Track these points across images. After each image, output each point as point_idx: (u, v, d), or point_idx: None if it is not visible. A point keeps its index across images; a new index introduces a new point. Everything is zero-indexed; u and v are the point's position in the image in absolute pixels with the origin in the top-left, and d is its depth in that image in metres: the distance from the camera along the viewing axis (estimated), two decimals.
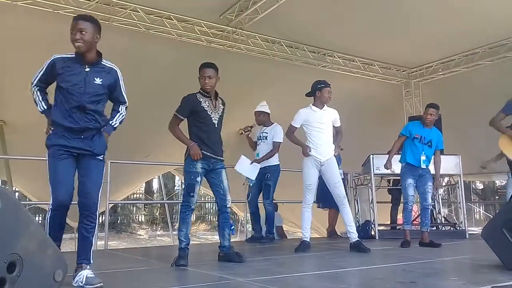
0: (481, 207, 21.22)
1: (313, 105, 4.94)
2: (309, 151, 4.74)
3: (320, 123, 4.85)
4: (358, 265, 3.78)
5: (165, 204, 18.12)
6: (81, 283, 2.65)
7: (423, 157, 5.31)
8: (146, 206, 23.58)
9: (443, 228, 7.15)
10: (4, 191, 1.63)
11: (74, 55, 2.87)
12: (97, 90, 2.87)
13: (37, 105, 2.92)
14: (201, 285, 2.95)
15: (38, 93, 2.91)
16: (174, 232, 16.66)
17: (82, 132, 2.83)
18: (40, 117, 3.06)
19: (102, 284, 2.66)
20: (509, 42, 8.00)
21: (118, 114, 3.09)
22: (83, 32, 2.81)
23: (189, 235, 3.86)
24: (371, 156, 6.61)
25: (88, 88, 2.82)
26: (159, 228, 22.45)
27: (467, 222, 9.37)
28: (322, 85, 4.94)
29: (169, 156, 10.19)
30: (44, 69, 2.86)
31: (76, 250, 2.89)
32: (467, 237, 6.45)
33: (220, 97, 4.03)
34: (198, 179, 3.79)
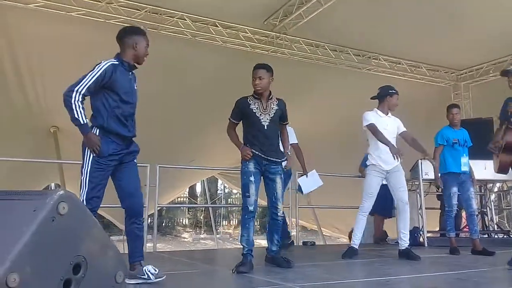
0: None
1: (378, 109, 4.86)
2: (399, 158, 4.48)
3: (385, 129, 4.67)
4: (409, 273, 3.69)
5: (209, 208, 18.36)
6: (151, 274, 2.81)
7: (464, 160, 5.17)
8: (190, 210, 23.97)
9: (496, 236, 6.87)
10: (70, 195, 1.72)
11: (117, 61, 2.92)
12: (136, 95, 3.00)
13: (76, 114, 2.72)
14: None
15: (81, 104, 2.75)
16: (218, 236, 16.77)
17: (131, 140, 2.95)
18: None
19: (165, 276, 2.87)
20: None
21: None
22: None
23: (253, 241, 3.72)
24: (419, 161, 6.43)
25: (133, 94, 2.95)
26: (202, 232, 22.79)
27: None
28: (393, 91, 4.86)
29: (213, 161, 10.35)
30: (96, 76, 2.77)
31: (128, 251, 2.95)
32: None
33: (277, 98, 3.95)
34: (252, 178, 3.71)
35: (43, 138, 8.87)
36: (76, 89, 2.72)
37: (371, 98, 4.91)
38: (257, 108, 3.83)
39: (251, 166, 3.75)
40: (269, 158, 3.80)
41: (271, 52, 7.75)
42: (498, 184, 8.69)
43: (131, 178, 2.94)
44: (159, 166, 5.60)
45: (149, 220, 10.94)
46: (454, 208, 5.25)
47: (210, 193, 20.49)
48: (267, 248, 3.98)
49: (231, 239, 21.49)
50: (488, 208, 7.02)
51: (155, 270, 2.86)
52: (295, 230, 7.28)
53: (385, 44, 8.17)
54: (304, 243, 6.78)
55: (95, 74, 2.78)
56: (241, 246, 3.72)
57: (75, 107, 2.71)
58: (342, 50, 8.31)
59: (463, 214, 6.53)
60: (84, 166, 2.79)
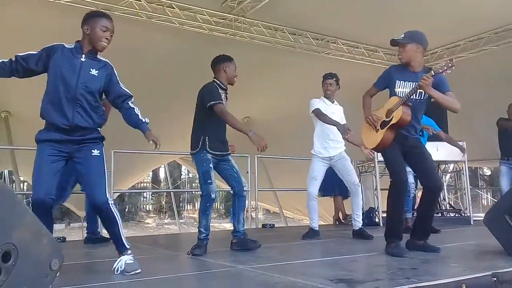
0: (488, 193, 21.10)
1: (324, 97, 4.91)
2: (348, 134, 4.46)
3: (332, 117, 4.75)
4: (361, 252, 3.79)
5: (171, 193, 18.23)
6: (121, 268, 2.75)
7: None
8: (153, 195, 23.78)
9: (448, 215, 7.14)
10: None
11: (73, 46, 2.83)
12: (81, 80, 2.78)
13: None
14: (198, 273, 2.98)
15: (4, 64, 2.70)
16: (181, 221, 16.69)
17: (74, 128, 2.79)
18: None
19: (139, 270, 2.75)
20: None
21: None
22: (111, 35, 2.87)
23: (210, 226, 3.76)
24: None
25: (73, 79, 2.74)
26: (166, 217, 22.69)
27: (474, 208, 9.32)
28: (325, 77, 4.91)
29: (172, 146, 10.23)
30: (32, 52, 2.74)
31: None
32: (472, 223, 6.43)
33: None
34: (211, 165, 3.70)
35: None
36: (16, 55, 2.72)
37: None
38: (224, 98, 3.79)
39: (209, 155, 3.71)
40: (227, 152, 3.85)
41: (229, 35, 7.66)
42: (452, 165, 9.00)
43: (86, 169, 2.78)
44: (114, 151, 5.49)
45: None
46: (411, 187, 5.40)
47: (173, 178, 20.35)
48: (233, 231, 3.89)
49: (195, 223, 21.44)
50: None
51: (131, 261, 2.79)
52: (255, 213, 7.35)
53: (343, 28, 8.20)
54: (264, 226, 6.85)
55: (34, 51, 2.75)
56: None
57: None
58: (301, 34, 8.29)
59: (418, 194, 6.74)
60: None
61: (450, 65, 3.24)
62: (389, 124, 3.50)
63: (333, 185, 6.42)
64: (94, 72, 2.82)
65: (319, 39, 8.50)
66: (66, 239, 5.51)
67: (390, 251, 3.42)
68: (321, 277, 2.59)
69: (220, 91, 3.78)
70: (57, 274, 1.84)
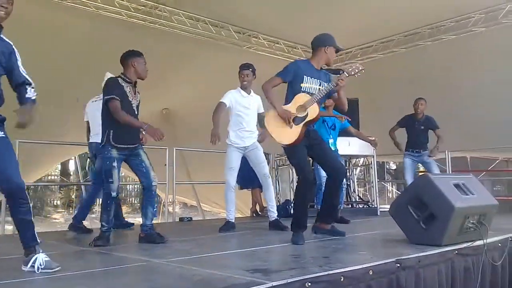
0: (393, 186, 22.58)
1: (240, 88, 4.92)
2: (216, 141, 4.60)
3: (248, 109, 4.83)
4: (276, 243, 3.87)
5: (82, 186, 17.32)
6: (41, 266, 2.55)
7: (331, 140, 5.56)
8: (62, 189, 22.45)
9: (358, 206, 7.54)
10: None
11: None
12: None
13: None
14: (113, 268, 2.86)
15: None
16: (93, 216, 15.95)
17: None
18: None
19: (60, 267, 2.59)
20: (422, 31, 8.47)
21: None
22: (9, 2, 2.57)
23: (112, 220, 3.78)
24: None
25: None
26: (76, 212, 21.55)
27: (381, 200, 9.94)
28: (239, 68, 4.93)
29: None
30: None
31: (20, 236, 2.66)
32: (378, 214, 6.85)
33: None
34: (115, 164, 3.72)
35: None
36: None
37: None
38: (129, 92, 3.79)
39: (114, 152, 3.73)
40: (135, 145, 3.84)
41: (149, 22, 7.43)
42: (362, 159, 9.51)
43: None
44: (19, 141, 5.09)
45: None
46: (323, 181, 5.61)
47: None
48: (141, 224, 3.90)
49: None
50: (351, 181, 7.65)
51: (48, 258, 2.62)
52: (172, 206, 7.23)
53: (265, 23, 8.29)
54: (181, 219, 6.76)
55: None
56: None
57: None
58: (223, 26, 8.26)
59: None
60: None
61: (361, 69, 3.62)
62: (306, 120, 3.66)
63: (253, 178, 6.49)
64: None
65: (241, 33, 8.53)
66: None
67: (292, 240, 3.69)
68: (238, 268, 2.61)
69: (123, 84, 3.78)
70: None
